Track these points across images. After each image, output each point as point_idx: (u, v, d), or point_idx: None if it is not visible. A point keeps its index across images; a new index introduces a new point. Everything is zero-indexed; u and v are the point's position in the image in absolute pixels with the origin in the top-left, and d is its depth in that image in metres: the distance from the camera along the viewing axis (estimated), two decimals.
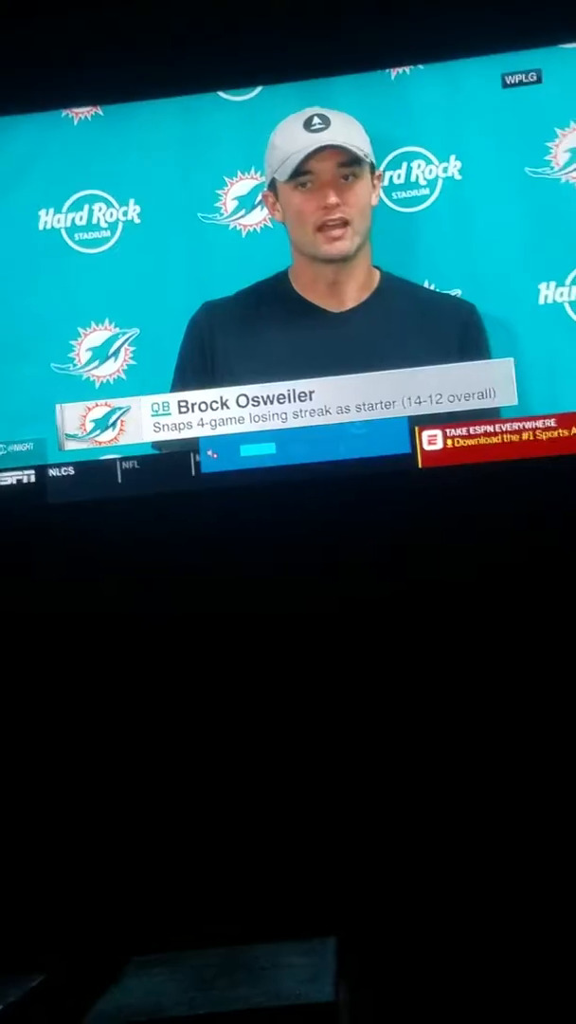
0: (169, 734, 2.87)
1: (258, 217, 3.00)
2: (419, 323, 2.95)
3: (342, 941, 1.79)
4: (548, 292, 2.93)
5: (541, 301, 2.93)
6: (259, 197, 3.00)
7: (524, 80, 2.96)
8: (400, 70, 2.99)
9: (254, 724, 2.85)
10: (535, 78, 2.96)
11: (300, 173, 2.90)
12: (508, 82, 2.97)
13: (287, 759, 2.82)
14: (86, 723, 2.88)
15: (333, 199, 2.89)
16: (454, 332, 2.94)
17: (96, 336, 3.02)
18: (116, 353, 3.01)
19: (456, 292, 2.96)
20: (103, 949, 1.89)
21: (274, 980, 1.68)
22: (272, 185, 2.97)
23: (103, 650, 2.91)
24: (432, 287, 2.97)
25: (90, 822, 2.82)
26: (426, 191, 2.98)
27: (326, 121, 2.90)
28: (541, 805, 2.74)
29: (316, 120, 2.90)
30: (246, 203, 3.01)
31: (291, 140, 2.91)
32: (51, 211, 3.06)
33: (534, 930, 2.59)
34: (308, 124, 2.91)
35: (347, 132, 2.90)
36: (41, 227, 3.05)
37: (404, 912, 2.59)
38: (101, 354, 3.01)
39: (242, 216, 3.01)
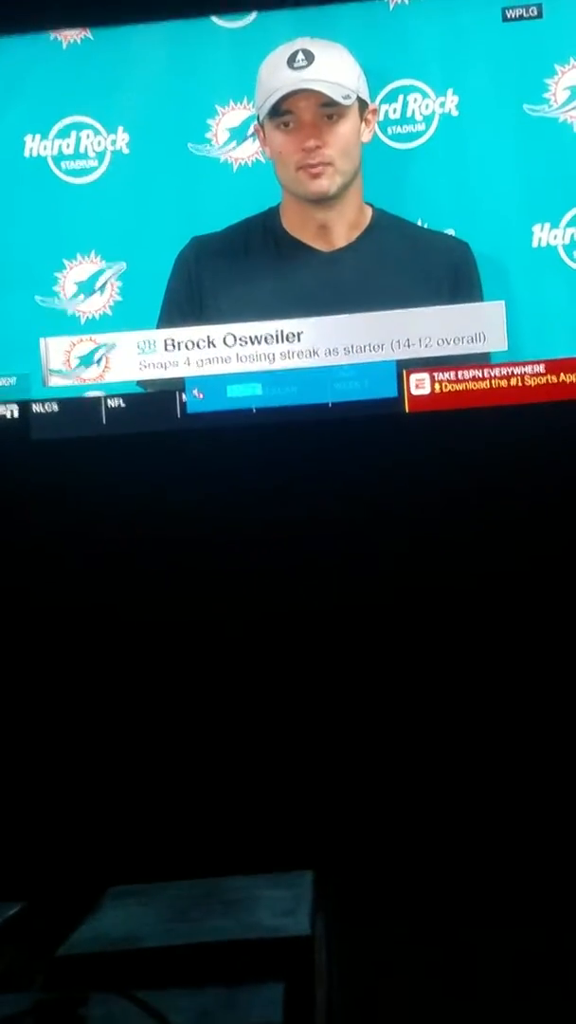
0: (150, 670, 2.87)
1: (250, 150, 2.94)
2: (411, 263, 2.91)
3: (320, 875, 1.79)
4: (542, 234, 2.89)
5: (535, 244, 2.89)
6: (251, 129, 2.93)
7: (524, 15, 2.89)
8: (399, 0, 2.92)
9: (236, 658, 2.86)
10: (535, 13, 2.89)
11: (281, 113, 2.82)
12: (508, 16, 2.90)
13: (269, 693, 2.83)
14: (66, 659, 2.87)
15: (312, 142, 2.82)
16: (447, 272, 2.90)
17: (82, 269, 2.96)
18: (102, 288, 2.96)
19: (449, 232, 2.91)
20: (81, 880, 1.89)
21: (250, 912, 1.68)
22: (260, 119, 2.90)
23: (85, 588, 2.90)
24: (425, 226, 2.93)
25: (71, 753, 2.83)
26: (422, 127, 2.92)
27: (310, 57, 2.81)
28: (523, 737, 2.76)
29: (300, 56, 2.82)
30: (238, 135, 2.94)
31: (274, 77, 2.83)
32: (37, 137, 2.98)
33: (507, 859, 2.62)
34: (292, 61, 2.82)
35: (332, 70, 2.81)
36: (27, 154, 2.98)
37: (382, 847, 2.62)
38: (87, 288, 2.96)
39: (233, 148, 2.95)
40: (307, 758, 2.78)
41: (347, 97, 2.82)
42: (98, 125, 2.98)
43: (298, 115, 2.83)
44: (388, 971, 1.80)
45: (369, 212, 2.93)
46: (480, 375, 2.89)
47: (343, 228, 2.92)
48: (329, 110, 2.83)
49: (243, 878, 1.88)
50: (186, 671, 2.86)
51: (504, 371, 2.88)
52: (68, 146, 2.98)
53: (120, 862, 2.14)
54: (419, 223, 2.92)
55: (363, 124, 2.88)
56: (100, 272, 2.96)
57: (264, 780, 2.77)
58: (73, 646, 2.89)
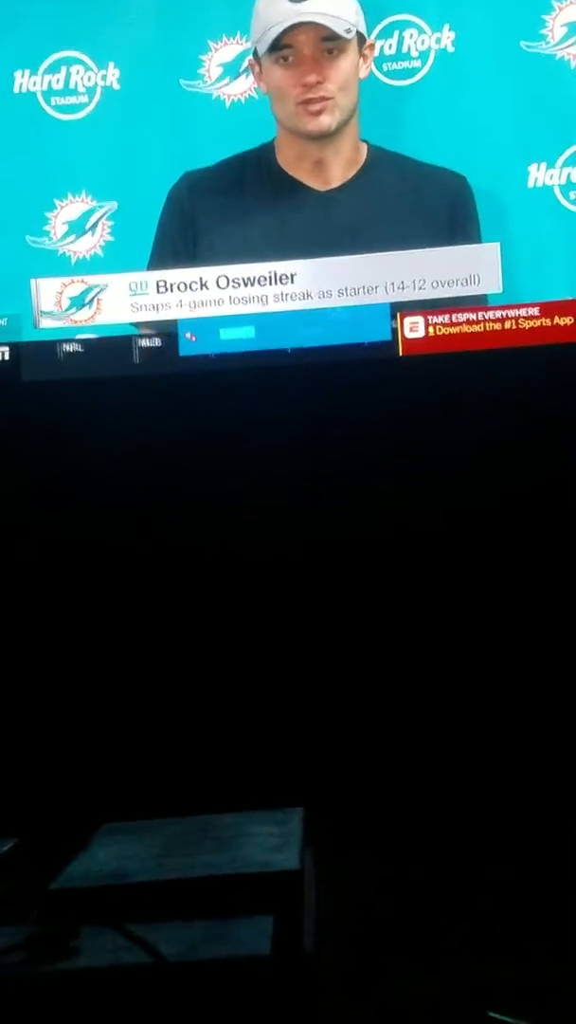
0: (145, 606, 2.88)
1: (243, 86, 2.89)
2: (408, 200, 2.88)
3: (309, 812, 1.82)
4: (538, 174, 2.86)
5: (531, 184, 2.86)
6: (245, 64, 2.88)
7: None
8: None
9: (230, 595, 2.86)
10: None
11: (280, 47, 2.77)
12: None
13: (262, 632, 2.84)
14: (62, 597, 2.88)
15: (313, 77, 2.77)
16: (445, 208, 2.87)
17: (73, 209, 2.93)
18: (93, 227, 2.92)
19: None
20: (74, 817, 1.91)
21: (241, 848, 1.70)
22: (257, 53, 2.85)
23: (78, 527, 2.89)
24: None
25: (65, 691, 2.84)
26: (418, 63, 2.87)
27: None
28: (516, 675, 2.79)
29: None
30: (231, 70, 2.89)
31: (272, 9, 2.78)
32: (27, 73, 2.93)
33: (491, 793, 2.66)
34: None
35: (332, 2, 2.76)
36: (16, 89, 2.93)
37: (371, 784, 2.65)
38: (78, 228, 2.93)
39: (226, 84, 2.90)
40: (298, 696, 2.80)
41: (348, 31, 2.77)
42: (88, 60, 2.93)
43: (298, 49, 2.78)
44: (374, 905, 1.84)
45: (365, 149, 2.89)
46: (474, 318, 2.87)
47: (340, 166, 2.89)
48: (329, 44, 2.78)
49: (234, 815, 1.90)
50: (180, 607, 2.87)
51: (498, 314, 2.86)
52: (58, 81, 2.93)
53: (113, 800, 2.17)
54: None
55: (360, 60, 2.83)
56: (91, 211, 2.92)
57: (256, 718, 2.79)
58: (68, 584, 2.89)
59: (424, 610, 2.83)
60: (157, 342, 2.91)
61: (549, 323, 2.84)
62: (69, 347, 2.91)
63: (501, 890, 2.07)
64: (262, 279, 2.86)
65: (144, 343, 2.90)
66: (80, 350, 2.91)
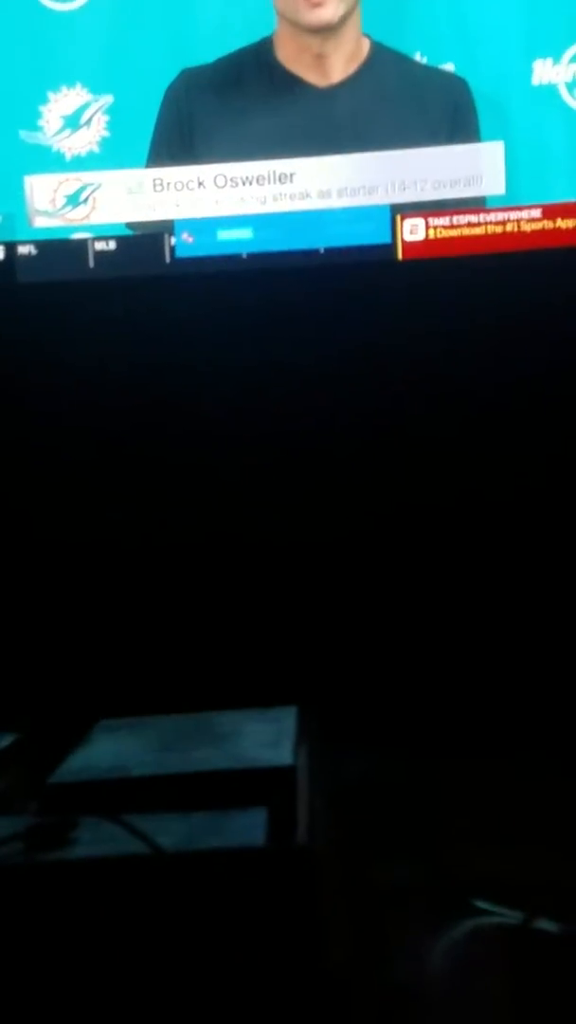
0: (143, 509, 2.88)
1: None
2: (408, 100, 2.81)
3: (303, 709, 1.85)
4: (543, 71, 2.79)
5: (535, 81, 2.79)
6: None
7: None
8: None
9: (225, 497, 2.87)
10: None
11: None
12: None
13: (258, 535, 2.85)
14: (60, 502, 2.88)
15: None
16: (445, 111, 2.80)
17: (67, 102, 2.85)
18: (88, 122, 2.85)
19: (448, 67, 2.81)
20: (71, 713, 1.95)
21: (236, 744, 1.74)
22: None
23: (73, 432, 2.89)
24: (424, 60, 2.82)
25: (65, 589, 2.86)
26: None
27: None
28: (510, 572, 2.82)
29: None
30: None
31: None
32: None
33: (485, 690, 2.71)
34: None
35: None
36: None
37: (365, 684, 2.70)
38: (73, 122, 2.85)
39: None
40: (294, 597, 2.83)
41: None
42: None
43: None
44: (367, 799, 1.88)
45: (367, 44, 2.81)
46: (475, 220, 2.82)
47: (341, 60, 2.81)
48: None
49: (229, 713, 1.94)
50: (178, 511, 2.88)
51: (500, 216, 2.81)
52: None
53: (109, 696, 2.20)
54: (417, 56, 2.81)
55: None
56: (86, 105, 2.85)
57: (250, 618, 2.82)
58: (66, 489, 2.89)
59: (418, 512, 2.84)
60: (153, 242, 2.86)
61: (551, 226, 2.79)
62: (65, 247, 2.86)
63: (492, 783, 2.11)
64: (260, 178, 2.81)
65: (142, 243, 2.86)
66: (77, 250, 2.86)
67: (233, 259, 2.85)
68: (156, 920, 1.34)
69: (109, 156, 2.85)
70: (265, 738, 1.74)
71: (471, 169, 2.80)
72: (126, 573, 2.88)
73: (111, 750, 1.77)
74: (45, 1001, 1.36)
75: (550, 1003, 1.34)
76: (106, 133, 2.86)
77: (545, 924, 1.52)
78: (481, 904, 1.54)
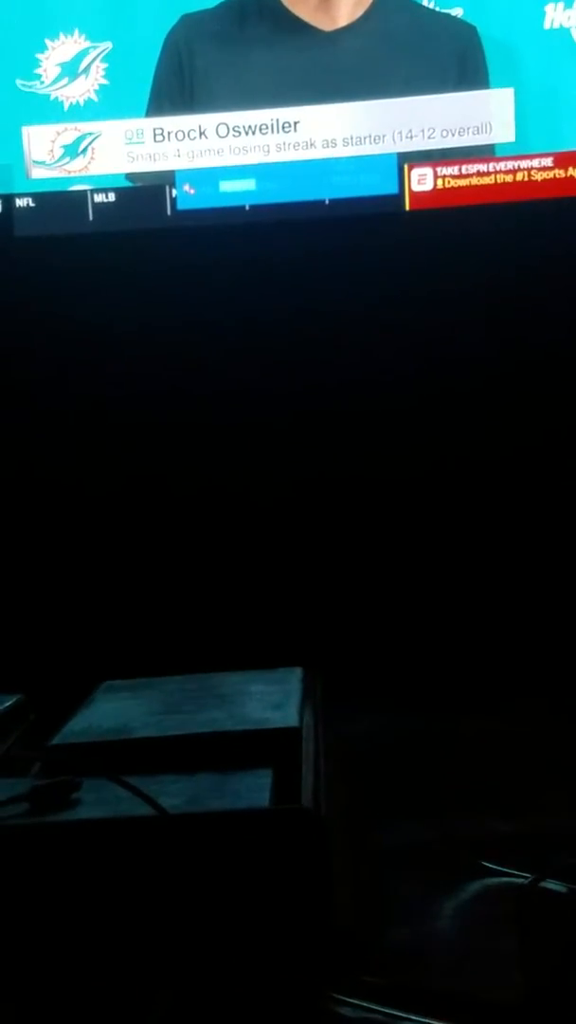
0: (146, 466, 2.85)
1: None
2: (416, 46, 2.74)
3: (308, 671, 1.83)
4: (555, 14, 2.71)
5: (547, 25, 2.72)
6: None
7: None
8: None
9: (232, 457, 2.83)
10: None
11: None
12: None
13: (263, 496, 2.82)
14: (65, 456, 2.85)
15: None
16: (453, 58, 2.73)
17: (65, 50, 2.78)
18: (87, 70, 2.78)
19: (457, 11, 2.73)
20: (74, 674, 1.93)
21: (241, 706, 1.72)
22: None
23: (72, 388, 2.85)
24: (432, 4, 2.74)
25: (69, 550, 2.83)
26: None
27: None
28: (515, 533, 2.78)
29: None
30: None
31: None
32: None
33: (490, 649, 2.69)
34: None
35: None
36: None
37: (371, 646, 2.68)
38: (71, 71, 2.78)
39: None
40: (297, 556, 2.81)
41: None
42: None
43: None
44: (375, 760, 1.87)
45: None
46: (485, 169, 2.76)
47: (347, 3, 2.73)
48: None
49: (234, 674, 1.92)
50: (181, 469, 2.84)
51: (509, 165, 2.75)
52: None
53: (112, 658, 2.18)
54: (425, 1, 2.74)
55: None
56: (84, 52, 2.78)
57: (256, 579, 2.80)
58: (69, 447, 2.85)
59: (424, 470, 2.80)
60: (154, 194, 2.81)
61: (563, 174, 2.73)
62: (63, 199, 2.80)
63: (500, 744, 2.10)
64: (264, 127, 2.75)
65: (142, 195, 2.80)
66: (76, 202, 2.80)
67: (236, 211, 2.79)
68: (160, 882, 1.32)
69: (108, 105, 2.79)
70: (270, 699, 1.73)
71: (480, 116, 2.74)
72: (129, 532, 2.85)
73: (114, 711, 1.75)
74: (49, 963, 1.35)
75: (558, 964, 1.33)
76: (105, 81, 2.79)
77: (553, 884, 1.51)
78: (489, 864, 1.53)
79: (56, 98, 2.80)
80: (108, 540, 2.85)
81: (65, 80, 2.79)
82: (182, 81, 2.78)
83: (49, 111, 2.80)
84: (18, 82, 2.79)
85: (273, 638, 2.42)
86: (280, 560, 2.81)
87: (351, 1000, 1.17)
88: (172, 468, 2.85)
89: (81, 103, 2.80)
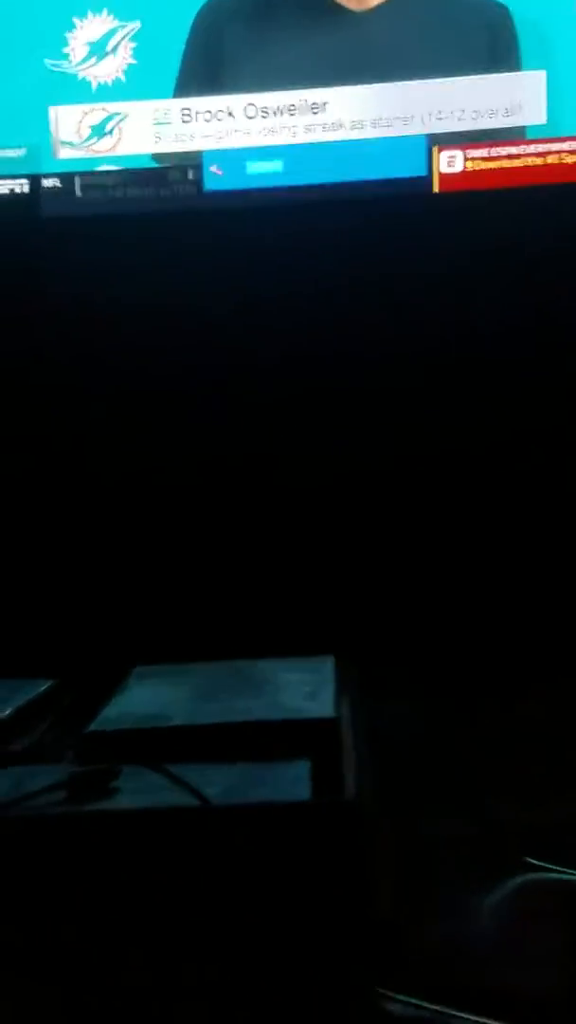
0: (174, 444, 2.84)
1: None
2: (447, 27, 2.71)
3: (340, 660, 1.83)
4: None
5: None
6: None
7: None
8: None
9: (256, 431, 2.81)
10: None
11: None
12: None
13: (289, 474, 2.81)
14: (93, 434, 2.84)
15: None
16: (484, 38, 2.71)
17: (93, 29, 2.76)
18: (115, 49, 2.76)
19: None
20: (106, 658, 1.93)
21: (277, 695, 1.72)
22: None
23: (98, 366, 2.83)
24: None
25: (96, 531, 2.83)
26: None
27: None
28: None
29: None
30: None
31: None
32: None
33: (528, 636, 2.67)
34: None
35: None
36: None
37: (409, 629, 2.67)
38: (98, 50, 2.77)
39: None
40: (325, 542, 2.80)
41: None
42: None
43: None
44: (410, 751, 1.86)
45: None
46: (515, 152, 2.74)
47: None
48: None
49: (265, 661, 1.92)
50: (206, 445, 2.83)
51: (540, 148, 2.73)
52: None
53: (140, 642, 2.19)
54: None
55: None
56: (112, 32, 2.76)
57: (282, 566, 2.79)
58: (101, 426, 2.84)
59: (454, 451, 2.79)
60: (181, 175, 2.79)
61: None
62: (91, 179, 2.79)
63: (542, 734, 2.08)
64: (292, 108, 2.73)
65: (169, 176, 2.78)
66: (103, 183, 2.79)
67: (263, 192, 2.77)
68: (201, 872, 1.33)
69: (136, 85, 2.77)
70: (305, 688, 1.73)
71: (511, 98, 2.71)
72: (157, 516, 2.84)
73: (149, 698, 1.76)
74: (88, 951, 1.36)
75: None
76: (133, 61, 2.77)
77: None
78: (531, 860, 1.53)
79: (84, 78, 2.78)
80: (137, 525, 2.84)
81: (93, 60, 2.77)
82: (210, 61, 2.76)
83: (77, 91, 2.78)
84: (47, 61, 2.77)
85: (298, 624, 2.42)
86: (305, 544, 2.80)
87: (399, 996, 1.17)
88: (203, 448, 2.84)
89: (109, 83, 2.78)
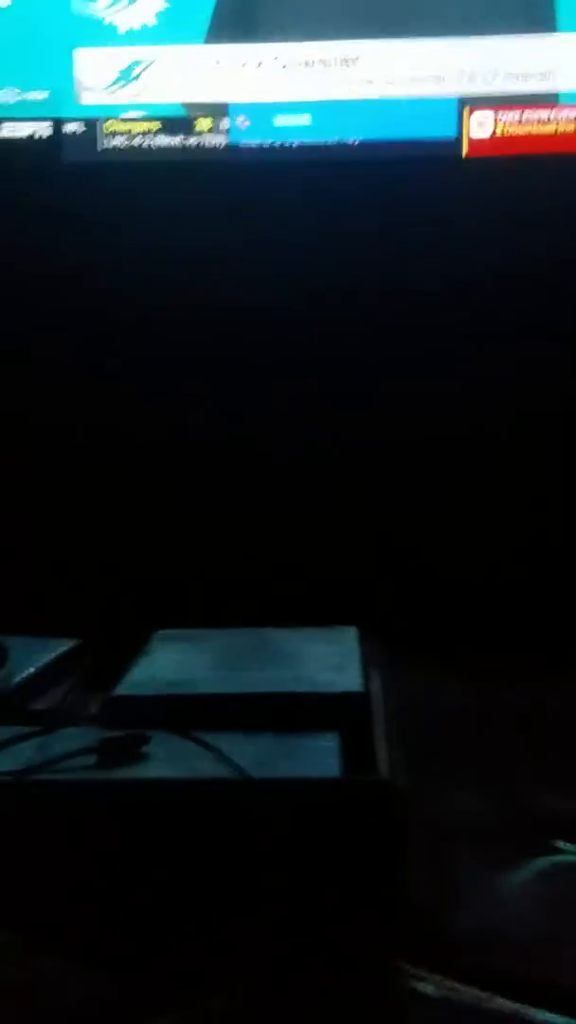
0: (186, 416, 2.81)
1: None
2: None
3: (364, 630, 1.82)
4: None
5: None
6: None
7: None
8: None
9: (275, 404, 2.79)
10: None
11: None
12: None
13: (312, 449, 2.79)
14: (115, 404, 2.80)
15: None
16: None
17: None
18: None
19: None
20: (127, 621, 1.92)
21: (301, 666, 1.70)
22: None
23: (116, 317, 2.79)
24: None
25: (121, 498, 2.81)
26: None
27: None
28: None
29: None
30: None
31: None
32: None
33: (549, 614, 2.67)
34: None
35: None
36: None
37: (423, 605, 2.67)
38: None
39: None
40: (349, 516, 2.79)
41: None
42: None
43: None
44: (438, 729, 1.86)
45: None
46: (546, 117, 2.71)
47: None
48: None
49: (287, 630, 1.90)
50: (225, 417, 2.81)
51: (572, 114, 2.70)
52: None
53: (160, 606, 2.17)
54: None
55: None
56: None
57: (303, 537, 2.78)
58: (122, 383, 2.81)
59: (477, 422, 2.77)
60: (208, 126, 2.74)
61: None
62: (115, 125, 2.74)
63: (565, 713, 2.09)
64: (323, 61, 2.68)
65: (196, 126, 2.73)
66: (127, 130, 2.74)
67: (288, 147, 2.73)
68: (237, 846, 1.33)
69: (165, 30, 2.71)
70: (331, 660, 1.71)
71: (546, 62, 2.68)
72: (177, 483, 2.81)
73: (174, 663, 1.74)
74: (119, 917, 1.36)
75: None
76: (165, 4, 2.70)
77: None
78: (559, 843, 1.54)
79: (111, 22, 2.71)
80: (155, 492, 2.81)
81: (123, 3, 2.70)
82: (243, 8, 2.71)
83: (103, 35, 2.72)
84: (74, 4, 2.70)
85: (320, 594, 2.41)
86: (329, 517, 2.78)
87: (432, 976, 1.18)
88: (219, 420, 2.81)
89: (137, 28, 2.72)
